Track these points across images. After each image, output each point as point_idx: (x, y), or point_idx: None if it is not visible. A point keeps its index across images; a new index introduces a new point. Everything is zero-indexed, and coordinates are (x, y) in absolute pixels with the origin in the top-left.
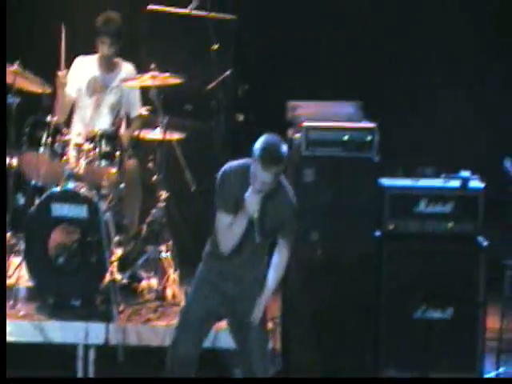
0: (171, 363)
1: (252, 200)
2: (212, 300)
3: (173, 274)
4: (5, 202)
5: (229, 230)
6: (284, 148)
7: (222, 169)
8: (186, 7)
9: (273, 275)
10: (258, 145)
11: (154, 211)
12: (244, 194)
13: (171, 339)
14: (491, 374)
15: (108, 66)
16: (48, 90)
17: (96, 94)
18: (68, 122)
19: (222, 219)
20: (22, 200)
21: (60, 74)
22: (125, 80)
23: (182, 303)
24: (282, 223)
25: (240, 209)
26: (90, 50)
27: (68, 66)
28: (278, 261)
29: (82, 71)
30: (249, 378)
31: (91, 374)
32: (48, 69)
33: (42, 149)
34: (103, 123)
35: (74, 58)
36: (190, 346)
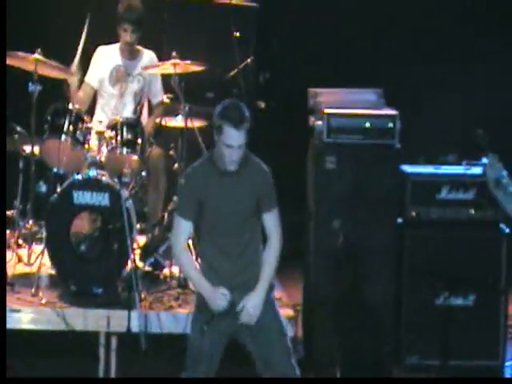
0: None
1: (222, 300)
2: (218, 323)
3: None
4: (5, 201)
5: (185, 267)
6: (243, 106)
7: (185, 172)
8: None
9: (266, 267)
10: (220, 111)
11: (175, 199)
12: (207, 193)
13: (185, 365)
14: None
15: (130, 53)
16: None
17: (120, 83)
18: (90, 111)
19: (180, 224)
20: (44, 188)
21: (73, 66)
22: (146, 67)
23: None
24: (260, 195)
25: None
26: (111, 38)
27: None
28: (270, 248)
29: (104, 61)
30: (249, 378)
31: (113, 362)
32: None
33: (63, 136)
34: (127, 111)
35: (95, 48)
36: (205, 372)
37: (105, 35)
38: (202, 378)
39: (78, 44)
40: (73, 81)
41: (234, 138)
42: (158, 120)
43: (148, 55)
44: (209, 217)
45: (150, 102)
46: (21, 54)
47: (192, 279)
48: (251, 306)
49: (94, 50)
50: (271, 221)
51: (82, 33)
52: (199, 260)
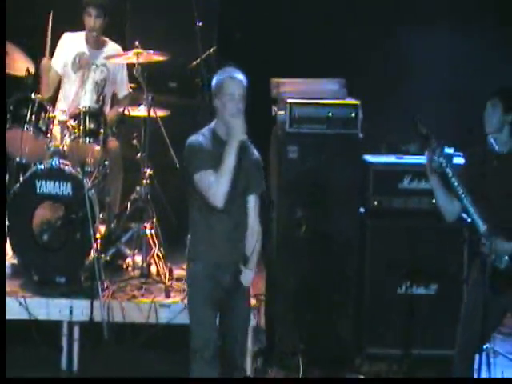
0: (205, 363)
1: (236, 121)
2: (215, 294)
3: (157, 251)
4: (5, 202)
5: (220, 173)
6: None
7: (188, 142)
8: None
9: (251, 240)
10: (219, 72)
11: (138, 188)
12: (217, 151)
13: (198, 343)
14: None
15: (95, 42)
16: (32, 68)
17: (82, 70)
18: (54, 99)
19: (206, 176)
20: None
21: (44, 60)
22: (109, 57)
23: (167, 280)
24: (249, 179)
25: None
26: (76, 27)
27: (52, 50)
28: (253, 223)
29: (69, 47)
30: (250, 378)
31: (76, 351)
32: (34, 47)
33: (26, 126)
34: (87, 100)
35: (61, 33)
36: (215, 342)
37: (72, 25)
38: (202, 378)
39: (45, 41)
40: (47, 74)
41: (231, 89)
42: (121, 110)
43: (113, 47)
44: None
45: (114, 93)
46: None
47: (224, 160)
48: (246, 281)
49: (60, 37)
50: (253, 202)
51: (46, 31)
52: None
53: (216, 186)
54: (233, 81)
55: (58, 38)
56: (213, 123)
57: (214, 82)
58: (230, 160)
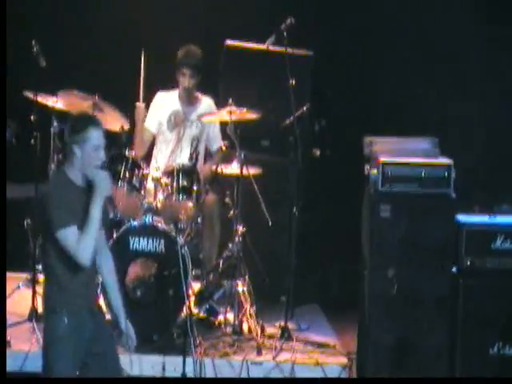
0: None
1: (102, 175)
2: (78, 353)
3: (249, 309)
4: (5, 204)
5: (86, 231)
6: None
7: (44, 194)
8: (263, 42)
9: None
10: (73, 124)
11: (230, 246)
12: (76, 201)
13: None
14: None
15: (189, 99)
16: (126, 126)
17: (178, 128)
18: (147, 157)
19: (71, 233)
20: None
21: (139, 105)
22: (201, 115)
23: (259, 337)
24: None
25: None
26: (169, 82)
27: (147, 97)
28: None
29: (162, 106)
30: (251, 378)
31: None
32: (127, 101)
33: (120, 183)
34: (183, 156)
35: (154, 94)
36: None
37: (164, 82)
38: (191, 378)
39: (138, 84)
40: (142, 121)
41: (100, 138)
42: (214, 167)
43: (206, 102)
44: None
45: (207, 149)
46: (78, 93)
47: (89, 219)
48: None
49: (153, 96)
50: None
51: (139, 72)
52: None
53: (83, 245)
54: (98, 130)
55: (152, 93)
56: (61, 170)
57: (73, 127)
58: (95, 217)
